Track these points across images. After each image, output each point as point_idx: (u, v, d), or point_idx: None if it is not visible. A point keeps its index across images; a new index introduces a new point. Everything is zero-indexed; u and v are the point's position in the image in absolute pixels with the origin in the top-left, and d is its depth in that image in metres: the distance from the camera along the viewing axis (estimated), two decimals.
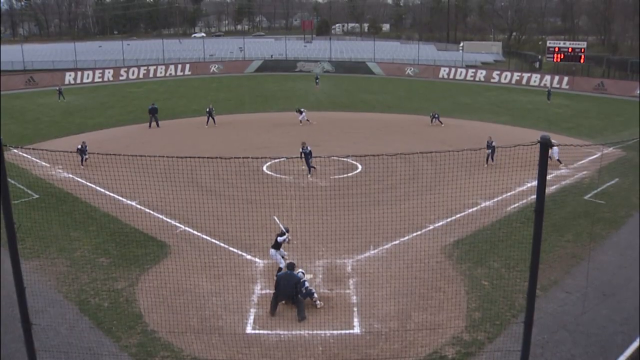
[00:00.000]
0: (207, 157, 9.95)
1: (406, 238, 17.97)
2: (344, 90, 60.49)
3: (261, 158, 17.38)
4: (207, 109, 39.64)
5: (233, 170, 19.45)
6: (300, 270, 14.41)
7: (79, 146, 27.77)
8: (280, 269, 14.89)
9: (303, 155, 25.45)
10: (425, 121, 40.58)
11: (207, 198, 20.35)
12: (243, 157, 9.98)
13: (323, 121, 40.61)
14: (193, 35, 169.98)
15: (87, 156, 27.20)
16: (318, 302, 13.79)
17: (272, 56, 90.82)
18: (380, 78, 74.24)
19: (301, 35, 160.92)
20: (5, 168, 8.11)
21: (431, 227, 19.03)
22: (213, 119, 39.15)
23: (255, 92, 58.70)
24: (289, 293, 13.42)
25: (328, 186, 23.53)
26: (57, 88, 58.15)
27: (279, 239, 15.29)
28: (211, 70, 79.47)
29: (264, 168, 26.61)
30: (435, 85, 66.14)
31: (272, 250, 15.43)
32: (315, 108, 46.36)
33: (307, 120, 39.20)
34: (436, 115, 39.84)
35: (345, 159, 27.15)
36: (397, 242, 17.64)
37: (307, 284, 13.77)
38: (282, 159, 27.01)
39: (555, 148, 26.97)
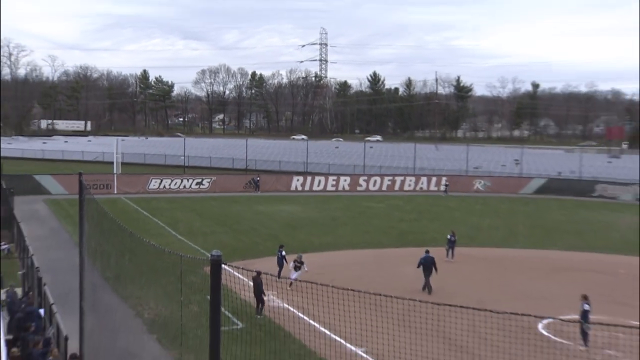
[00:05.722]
0: (467, 307, 9.59)
1: None
2: None
3: (536, 317, 16.73)
4: (449, 236, 40.57)
5: (495, 325, 18.95)
6: None
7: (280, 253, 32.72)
8: None
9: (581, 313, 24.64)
10: None
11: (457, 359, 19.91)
12: (520, 314, 9.51)
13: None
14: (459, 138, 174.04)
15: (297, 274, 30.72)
16: None
17: (560, 174, 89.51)
18: None
19: (604, 147, 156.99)
20: (221, 292, 8.50)
21: None
22: (452, 250, 40.03)
23: (532, 221, 57.91)
24: None
25: None
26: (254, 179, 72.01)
27: None
28: (475, 187, 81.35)
29: (539, 327, 25.73)
30: None
31: None
32: (621, 250, 44.36)
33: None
34: None
35: None
36: None
37: None
38: (568, 320, 25.80)
39: None
